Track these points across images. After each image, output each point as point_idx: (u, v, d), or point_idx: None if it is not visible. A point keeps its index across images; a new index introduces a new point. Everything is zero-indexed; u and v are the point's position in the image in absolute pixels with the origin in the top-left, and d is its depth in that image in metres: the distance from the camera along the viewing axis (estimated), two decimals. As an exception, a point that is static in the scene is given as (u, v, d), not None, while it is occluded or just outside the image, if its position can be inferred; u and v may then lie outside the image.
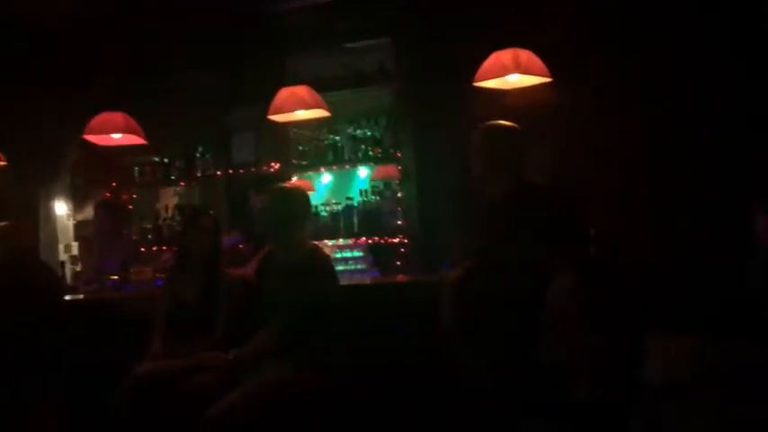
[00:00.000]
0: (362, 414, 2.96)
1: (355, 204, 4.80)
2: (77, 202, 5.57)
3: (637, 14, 3.92)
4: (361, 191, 4.87)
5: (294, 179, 5.00)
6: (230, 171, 5.00)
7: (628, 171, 3.90)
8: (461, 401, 2.65)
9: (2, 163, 4.84)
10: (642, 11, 3.91)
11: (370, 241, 4.74)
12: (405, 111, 4.53)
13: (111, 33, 4.93)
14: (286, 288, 2.84)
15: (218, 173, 5.04)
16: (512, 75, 3.71)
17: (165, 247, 4.97)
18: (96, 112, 4.50)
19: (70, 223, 5.58)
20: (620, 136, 3.91)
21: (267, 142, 4.90)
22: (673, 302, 2.10)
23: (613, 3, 3.99)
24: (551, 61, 3.83)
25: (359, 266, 4.74)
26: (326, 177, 5.33)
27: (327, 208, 4.90)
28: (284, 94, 4.17)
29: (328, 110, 4.28)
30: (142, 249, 5.09)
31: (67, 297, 4.15)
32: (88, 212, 5.45)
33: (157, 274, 4.46)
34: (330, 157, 4.85)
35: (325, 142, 4.84)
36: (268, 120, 4.36)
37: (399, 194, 4.61)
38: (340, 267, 4.60)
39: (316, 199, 5.07)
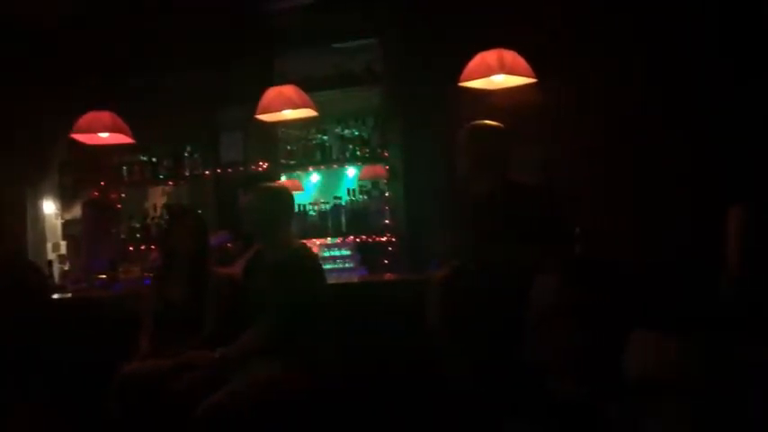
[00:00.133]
0: (350, 413, 2.98)
1: (343, 204, 4.81)
2: (65, 202, 5.56)
3: (621, 14, 3.96)
4: (348, 190, 4.89)
5: (283, 179, 5.01)
6: (218, 170, 5.01)
7: (613, 170, 3.94)
8: (447, 401, 2.67)
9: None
10: (627, 11, 3.95)
11: (357, 240, 4.76)
12: (392, 111, 4.55)
13: (99, 32, 4.92)
14: (273, 287, 2.85)
15: (207, 172, 5.04)
16: (497, 75, 3.74)
17: (153, 247, 4.97)
18: (84, 111, 4.49)
19: (58, 222, 5.57)
20: (605, 136, 3.95)
21: (255, 142, 4.91)
22: (656, 300, 2.13)
23: (598, 3, 4.02)
24: (536, 62, 3.86)
25: (347, 265, 4.76)
26: (315, 177, 5.35)
27: (315, 207, 4.92)
28: (272, 93, 4.18)
29: (316, 109, 4.30)
30: (130, 248, 5.09)
31: (55, 296, 4.14)
32: (76, 211, 5.45)
33: (145, 274, 4.46)
34: (318, 156, 4.87)
35: (313, 142, 4.85)
36: (256, 119, 4.37)
37: (387, 194, 4.64)
38: (328, 266, 4.62)
39: (304, 198, 5.09)
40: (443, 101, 4.16)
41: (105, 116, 4.44)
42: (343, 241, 4.81)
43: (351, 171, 5.20)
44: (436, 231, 3.60)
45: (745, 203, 2.53)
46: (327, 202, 4.90)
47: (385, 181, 4.68)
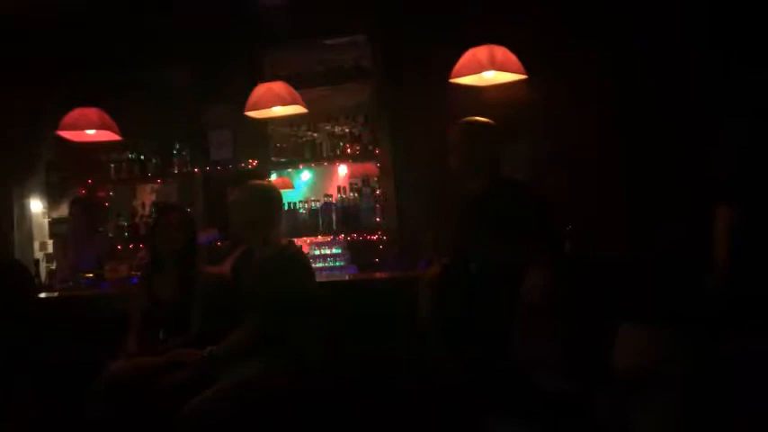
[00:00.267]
0: (339, 412, 2.96)
1: (334, 201, 4.79)
2: (53, 200, 5.50)
3: (611, 11, 3.95)
4: (339, 188, 4.87)
5: (273, 176, 4.99)
6: (208, 168, 4.98)
7: (603, 166, 3.93)
8: (438, 398, 2.66)
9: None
10: (617, 7, 3.94)
11: (348, 238, 4.74)
12: (382, 108, 4.53)
13: (88, 29, 4.87)
14: (261, 286, 2.83)
15: (196, 170, 5.01)
16: (487, 71, 3.73)
17: (141, 245, 4.93)
18: (70, 108, 4.45)
19: (45, 221, 5.52)
20: (596, 132, 3.95)
21: (245, 139, 4.88)
22: (644, 296, 2.12)
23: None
24: (526, 58, 3.85)
25: (337, 263, 4.74)
26: (306, 174, 5.32)
27: (306, 205, 4.89)
28: (261, 90, 4.15)
29: (305, 106, 4.27)
30: (119, 247, 5.05)
31: (42, 295, 4.10)
32: (63, 210, 5.40)
33: (133, 272, 4.43)
34: (308, 154, 4.85)
35: (303, 139, 4.83)
36: (245, 116, 4.34)
37: (378, 191, 4.62)
38: (318, 264, 4.60)
39: (295, 196, 5.06)
40: (434, 97, 4.14)
41: (92, 113, 4.39)
42: (333, 239, 4.79)
43: (342, 168, 5.17)
44: (427, 229, 3.59)
45: (732, 201, 2.53)
46: (318, 200, 4.87)
47: (376, 178, 4.66)
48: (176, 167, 5.06)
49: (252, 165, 4.83)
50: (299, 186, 5.31)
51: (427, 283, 2.78)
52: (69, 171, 5.27)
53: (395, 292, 3.32)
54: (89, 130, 4.46)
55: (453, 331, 2.64)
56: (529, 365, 1.78)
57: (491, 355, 2.36)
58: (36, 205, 5.49)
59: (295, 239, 4.55)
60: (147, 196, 5.45)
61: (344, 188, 4.88)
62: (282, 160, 4.92)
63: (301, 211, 4.87)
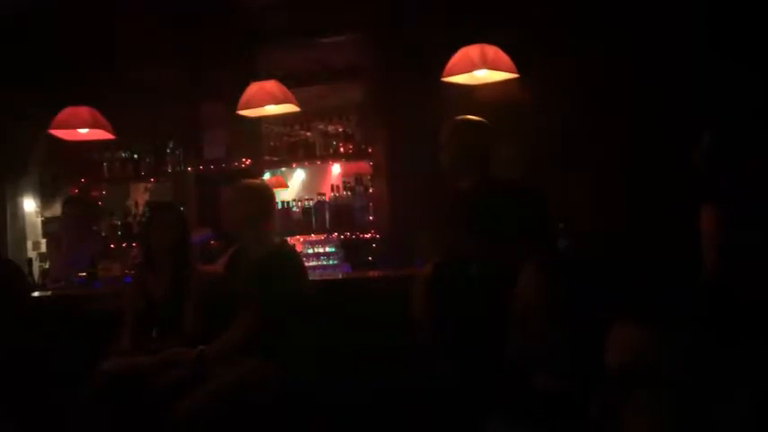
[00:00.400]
0: (331, 410, 2.96)
1: (327, 200, 4.80)
2: (45, 199, 5.49)
3: (603, 10, 3.96)
4: (332, 186, 4.87)
5: (267, 175, 4.99)
6: (201, 167, 4.97)
7: (595, 165, 3.94)
8: (431, 397, 2.66)
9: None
10: (609, 6, 3.95)
11: (341, 237, 4.75)
12: (375, 106, 4.53)
13: (79, 26, 4.85)
14: (254, 285, 2.83)
15: (189, 169, 5.00)
16: (479, 70, 3.74)
17: (134, 244, 4.92)
18: (63, 106, 4.44)
19: (38, 220, 5.50)
20: (588, 131, 3.96)
21: (238, 138, 4.88)
22: (637, 295, 2.13)
23: (580, -1, 4.03)
24: (518, 57, 3.86)
25: (330, 262, 4.74)
26: (300, 173, 5.33)
27: (299, 204, 4.89)
28: (253, 88, 4.15)
29: (298, 105, 4.28)
30: (112, 246, 5.04)
31: (35, 294, 4.10)
32: (56, 209, 5.38)
33: (126, 271, 4.42)
34: (301, 153, 4.85)
35: (297, 138, 4.83)
36: (238, 115, 4.33)
37: (371, 190, 4.62)
38: (312, 263, 4.60)
39: (288, 195, 5.06)
40: (427, 96, 4.14)
41: (84, 111, 4.38)
42: (326, 238, 4.79)
43: (335, 167, 5.18)
44: (420, 228, 3.59)
45: (717, 202, 2.54)
46: (311, 199, 4.88)
47: (369, 177, 4.67)
48: (169, 166, 5.05)
49: (245, 164, 4.83)
50: (292, 185, 5.31)
51: (420, 282, 2.78)
52: (62, 170, 5.26)
53: (388, 290, 3.32)
54: (81, 128, 4.45)
55: (446, 330, 2.65)
56: (523, 365, 1.78)
57: (484, 355, 2.37)
58: (29, 204, 5.47)
59: (288, 238, 4.57)
60: (140, 195, 5.43)
61: (338, 187, 4.89)
62: (276, 159, 4.92)
63: (295, 209, 4.87)
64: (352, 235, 4.68)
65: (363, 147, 4.63)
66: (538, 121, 4.03)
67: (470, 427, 2.38)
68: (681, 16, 3.83)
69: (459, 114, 2.94)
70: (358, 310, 3.27)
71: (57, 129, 4.44)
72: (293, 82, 4.41)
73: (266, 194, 3.03)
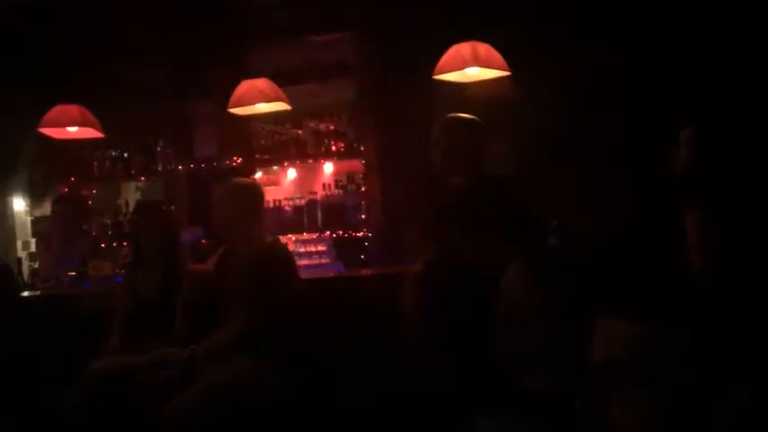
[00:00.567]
0: (323, 409, 2.95)
1: (319, 199, 4.79)
2: (35, 198, 5.45)
3: (594, 7, 3.96)
4: (324, 185, 4.86)
5: (258, 174, 4.97)
6: (192, 165, 4.95)
7: (587, 162, 3.94)
8: (422, 396, 2.66)
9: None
10: (600, 3, 3.95)
11: (333, 235, 4.74)
12: (366, 104, 4.52)
13: (68, 24, 4.82)
14: (245, 283, 2.81)
15: (180, 167, 4.98)
16: (471, 68, 3.73)
17: (125, 243, 4.90)
18: (52, 105, 4.40)
19: (28, 219, 5.47)
20: (580, 128, 3.96)
21: (229, 136, 4.85)
22: (626, 292, 2.13)
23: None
24: (510, 55, 3.85)
25: (323, 261, 4.73)
26: (291, 172, 5.30)
27: (291, 202, 4.88)
28: (244, 86, 4.13)
29: (289, 103, 4.26)
30: (102, 245, 5.01)
31: (24, 294, 4.07)
32: (46, 208, 5.34)
33: (117, 270, 4.40)
34: (293, 151, 4.83)
35: (288, 137, 4.82)
36: (229, 113, 4.31)
37: (363, 188, 4.61)
38: (304, 261, 4.59)
39: (280, 193, 5.04)
40: (419, 94, 4.13)
41: (73, 110, 4.35)
42: (319, 236, 4.78)
43: (327, 165, 5.16)
44: (412, 226, 3.57)
45: (700, 206, 2.54)
46: (303, 198, 4.86)
47: (361, 175, 4.66)
48: (160, 165, 5.03)
49: (236, 162, 4.81)
50: (284, 184, 5.29)
51: (411, 280, 2.77)
52: (52, 169, 5.22)
53: (380, 288, 3.31)
54: (71, 127, 4.42)
55: (437, 328, 2.64)
56: (512, 363, 1.78)
57: (474, 353, 2.36)
58: (18, 203, 5.43)
59: (280, 237, 4.56)
60: (131, 194, 5.41)
61: (329, 185, 4.87)
62: (267, 158, 4.90)
63: (286, 208, 4.85)
64: (344, 233, 4.67)
65: (355, 145, 4.61)
66: (529, 119, 4.03)
67: (461, 426, 2.37)
68: (669, 15, 3.83)
69: (451, 112, 2.93)
70: (350, 308, 3.26)
71: (46, 127, 4.41)
72: (284, 80, 4.39)
73: (255, 193, 3.01)
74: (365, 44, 4.50)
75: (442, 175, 2.89)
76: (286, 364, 2.77)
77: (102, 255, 4.85)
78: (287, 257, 3.01)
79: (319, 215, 4.76)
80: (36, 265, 5.09)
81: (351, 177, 4.82)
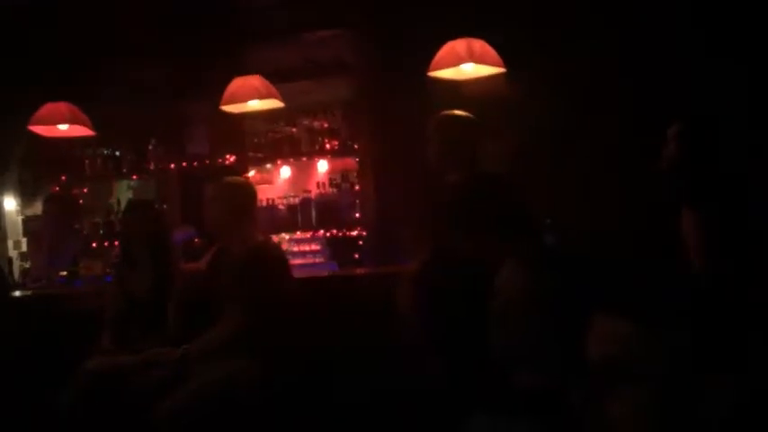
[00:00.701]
0: (316, 408, 2.94)
1: (313, 197, 4.76)
2: (26, 197, 5.41)
3: (590, 3, 3.94)
4: (318, 183, 4.83)
5: (252, 172, 4.94)
6: (184, 164, 4.91)
7: (583, 160, 3.93)
8: (417, 394, 2.64)
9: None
10: (597, 3, 3.94)
11: (328, 234, 4.71)
12: (361, 102, 4.50)
13: (59, 22, 4.78)
14: (237, 283, 2.79)
15: (172, 166, 4.94)
16: (466, 64, 3.71)
17: (117, 242, 4.86)
18: (42, 103, 4.36)
19: (19, 219, 5.43)
20: (575, 125, 3.95)
21: (222, 134, 4.82)
22: (622, 290, 2.12)
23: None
24: (505, 51, 3.83)
25: (317, 260, 4.71)
26: (285, 170, 5.27)
27: (285, 201, 4.85)
28: (237, 83, 4.10)
29: (282, 100, 4.23)
30: (93, 244, 4.97)
31: (16, 293, 4.05)
32: (37, 207, 5.31)
33: (108, 270, 4.37)
34: (287, 149, 4.80)
35: (281, 135, 4.79)
36: (222, 111, 4.28)
37: (357, 187, 4.59)
38: (298, 260, 4.57)
39: (274, 192, 5.01)
40: (413, 92, 4.11)
41: (64, 107, 4.31)
42: (313, 235, 4.76)
43: (322, 164, 5.14)
44: (407, 224, 3.55)
45: (696, 206, 2.53)
46: (297, 196, 4.83)
47: (355, 174, 4.63)
48: (152, 164, 4.99)
49: (229, 160, 4.78)
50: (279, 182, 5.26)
51: (406, 280, 2.76)
52: (42, 168, 5.18)
53: (375, 288, 3.29)
54: (61, 125, 4.38)
55: (433, 328, 2.63)
56: (507, 361, 1.76)
57: (470, 352, 2.35)
58: (9, 203, 5.39)
59: (274, 236, 4.53)
60: (123, 193, 5.37)
61: (324, 183, 4.85)
62: (260, 156, 4.87)
63: (280, 207, 4.83)
64: (338, 232, 4.65)
65: (349, 143, 4.59)
66: (527, 117, 4.01)
67: (456, 424, 2.36)
68: (668, 14, 3.82)
69: (447, 109, 2.92)
70: (344, 307, 3.24)
71: (36, 125, 4.37)
72: (277, 77, 4.36)
73: (247, 192, 2.98)
74: (360, 42, 4.47)
75: (437, 172, 2.87)
76: (279, 364, 2.75)
77: (94, 254, 4.82)
78: (279, 256, 2.99)
79: (313, 214, 4.73)
80: (27, 265, 5.06)
81: (345, 176, 4.80)
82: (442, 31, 3.90)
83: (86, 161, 5.10)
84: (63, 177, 5.08)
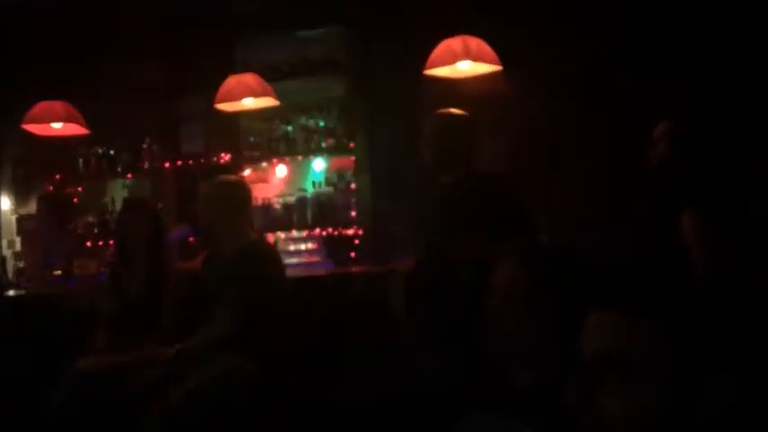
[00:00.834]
0: (310, 407, 2.92)
1: (308, 196, 4.74)
2: (20, 197, 5.38)
3: (592, 5, 3.93)
4: (314, 182, 4.82)
5: (247, 171, 4.91)
6: (179, 163, 4.88)
7: (580, 159, 3.92)
8: (411, 393, 2.63)
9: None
10: (598, 2, 3.92)
11: (323, 233, 4.69)
12: (356, 100, 4.48)
13: (51, 19, 4.75)
14: (230, 281, 2.78)
15: (167, 165, 4.91)
16: (462, 62, 3.70)
17: (111, 242, 4.84)
18: (36, 101, 4.34)
19: (13, 218, 5.39)
20: (572, 124, 3.94)
21: (217, 133, 4.79)
22: (618, 288, 2.11)
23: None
24: (501, 49, 3.82)
25: (312, 258, 4.69)
26: (282, 169, 5.25)
27: (280, 200, 4.83)
28: (231, 81, 4.09)
29: (276, 98, 4.21)
30: (88, 244, 4.95)
31: (10, 293, 4.04)
32: (31, 207, 5.27)
33: (103, 269, 4.36)
34: (282, 148, 4.78)
35: (277, 133, 4.76)
36: (217, 110, 4.27)
37: (353, 185, 4.57)
38: (293, 260, 4.55)
39: (270, 191, 4.99)
40: (409, 90, 4.10)
41: (57, 106, 4.29)
42: (308, 234, 4.73)
43: (318, 163, 5.11)
44: (403, 223, 3.55)
45: (694, 206, 2.52)
46: (292, 195, 4.81)
47: (351, 172, 4.61)
48: (146, 162, 4.96)
49: (224, 159, 4.76)
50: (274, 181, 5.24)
51: (401, 279, 2.75)
52: (36, 167, 5.14)
53: (371, 286, 3.29)
54: (55, 123, 4.36)
55: (428, 326, 2.62)
56: (504, 359, 1.75)
57: (464, 349, 2.34)
58: (3, 202, 5.36)
59: (269, 234, 4.51)
60: (118, 192, 5.34)
61: (319, 182, 4.83)
62: (256, 154, 4.85)
63: (276, 206, 4.80)
64: (334, 231, 4.62)
65: (345, 141, 4.57)
66: (522, 115, 4.00)
67: (453, 423, 2.35)
68: (666, 13, 3.81)
69: (443, 108, 2.91)
70: (340, 306, 3.24)
71: (30, 123, 4.35)
72: (272, 75, 4.35)
73: (240, 190, 2.98)
74: (356, 40, 4.45)
75: (433, 171, 2.86)
76: (274, 363, 2.74)
77: (88, 254, 4.79)
78: (270, 255, 2.98)
79: (309, 213, 4.71)
80: (21, 264, 5.03)
81: (341, 174, 4.78)
82: (438, 29, 3.89)
83: (81, 160, 5.06)
84: (57, 176, 5.04)
